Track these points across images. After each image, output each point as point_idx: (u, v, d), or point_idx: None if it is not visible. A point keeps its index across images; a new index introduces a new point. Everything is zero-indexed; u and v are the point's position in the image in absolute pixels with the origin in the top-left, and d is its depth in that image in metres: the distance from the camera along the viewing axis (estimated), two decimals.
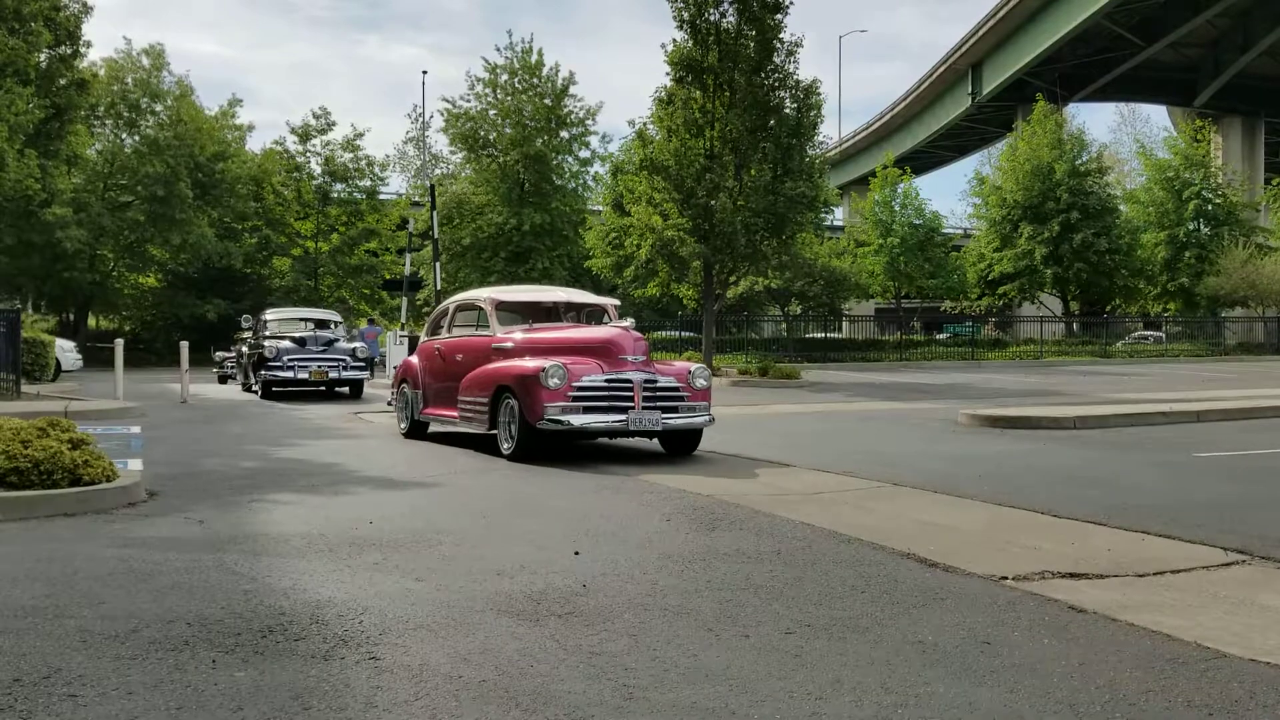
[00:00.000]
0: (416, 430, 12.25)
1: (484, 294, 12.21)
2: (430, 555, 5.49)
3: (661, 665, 3.64)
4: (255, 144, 49.41)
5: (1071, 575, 5.07)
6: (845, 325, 45.13)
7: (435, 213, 28.20)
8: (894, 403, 18.14)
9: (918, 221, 49.37)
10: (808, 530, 6.23)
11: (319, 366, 18.97)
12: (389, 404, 13.94)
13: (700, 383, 10.07)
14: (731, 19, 27.70)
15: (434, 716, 3.14)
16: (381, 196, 50.04)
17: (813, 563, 5.35)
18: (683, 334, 38.63)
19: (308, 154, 48.73)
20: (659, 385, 9.80)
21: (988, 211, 48.90)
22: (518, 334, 10.86)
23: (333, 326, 21.75)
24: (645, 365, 9.90)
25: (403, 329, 31.27)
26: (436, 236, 28.52)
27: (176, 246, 43.13)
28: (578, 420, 9.48)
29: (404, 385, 12.61)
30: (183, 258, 44.71)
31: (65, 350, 25.92)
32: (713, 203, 26.96)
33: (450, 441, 11.54)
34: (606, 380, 9.62)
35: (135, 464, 8.51)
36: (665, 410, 9.77)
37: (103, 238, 42.57)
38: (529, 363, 9.83)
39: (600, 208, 44.70)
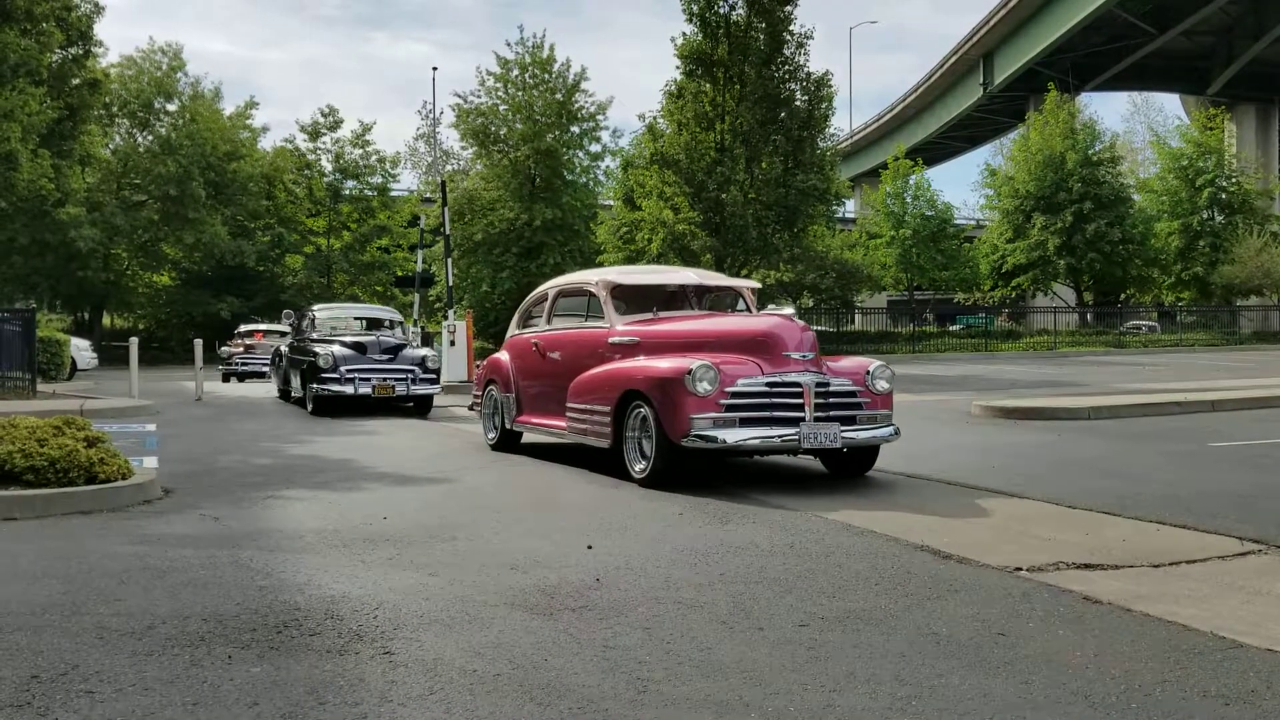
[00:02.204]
0: (508, 441, 10.46)
1: (595, 276, 10.01)
2: (443, 550, 5.50)
3: (675, 658, 3.64)
4: (266, 142, 49.80)
5: (1086, 566, 5.05)
6: (858, 318, 45.05)
7: (446, 209, 28.18)
8: (907, 395, 18.09)
9: (930, 213, 49.24)
10: (821, 523, 6.22)
11: (384, 380, 15.41)
12: (471, 409, 11.88)
13: (882, 385, 8.01)
14: (741, 11, 27.67)
15: (449, 710, 3.15)
16: (393, 193, 50.24)
17: (826, 555, 5.34)
18: None
19: (318, 151, 48.95)
20: (832, 389, 7.72)
21: (1000, 202, 48.71)
22: (642, 325, 8.90)
23: (390, 326, 18.05)
24: (814, 364, 7.79)
25: (415, 325, 31.28)
26: (448, 233, 28.51)
27: (190, 245, 43.37)
28: (733, 436, 7.42)
29: (491, 387, 10.78)
30: (196, 256, 44.95)
31: (80, 349, 26.07)
32: (724, 196, 26.94)
33: (552, 455, 9.75)
34: (769, 384, 7.55)
35: (150, 462, 8.54)
36: (841, 420, 7.71)
37: (116, 237, 42.82)
38: (665, 362, 7.84)
39: (611, 202, 44.70)
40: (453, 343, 21.90)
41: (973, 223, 59.29)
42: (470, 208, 45.09)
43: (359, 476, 8.54)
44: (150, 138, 44.65)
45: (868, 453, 8.18)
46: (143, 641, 3.82)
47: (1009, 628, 4.01)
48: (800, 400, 7.55)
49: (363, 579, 4.82)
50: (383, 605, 4.33)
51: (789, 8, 27.81)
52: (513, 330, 11.00)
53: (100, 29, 39.38)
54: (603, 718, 3.10)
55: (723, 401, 7.44)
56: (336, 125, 48.57)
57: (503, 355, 10.82)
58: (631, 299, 9.45)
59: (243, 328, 31.86)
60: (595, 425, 8.48)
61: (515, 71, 45.79)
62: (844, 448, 7.74)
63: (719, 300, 10.23)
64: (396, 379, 15.48)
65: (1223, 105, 56.02)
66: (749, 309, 9.83)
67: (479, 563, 5.18)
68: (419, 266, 39.72)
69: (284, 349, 18.51)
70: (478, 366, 11.58)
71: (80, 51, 33.50)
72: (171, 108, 45.09)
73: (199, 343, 20.03)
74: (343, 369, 15.33)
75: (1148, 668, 3.53)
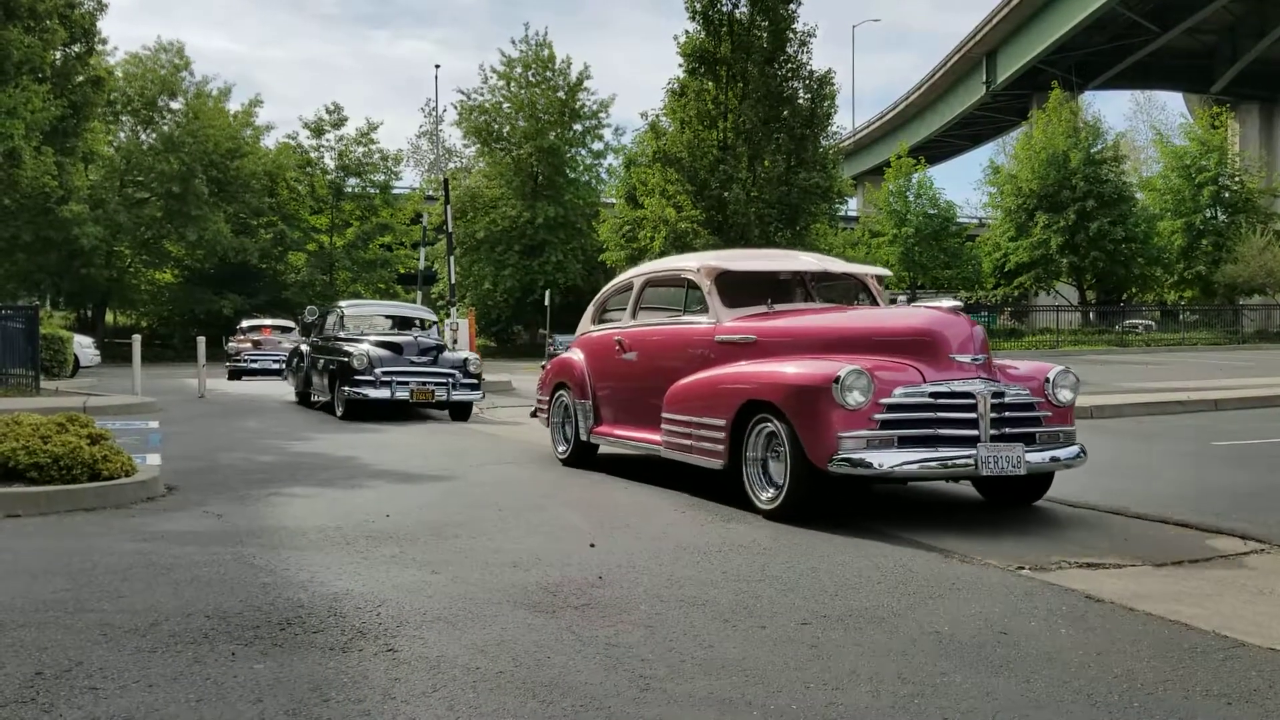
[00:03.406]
0: (583, 455, 9.05)
1: (694, 261, 8.35)
2: (446, 548, 5.50)
3: (678, 656, 3.65)
4: (269, 140, 49.88)
5: (1089, 565, 5.05)
6: None
7: (449, 206, 28.20)
8: None
9: (932, 211, 49.28)
10: (823, 521, 6.22)
11: (423, 384, 14.09)
12: (533, 415, 10.48)
13: (1065, 395, 6.52)
14: (744, 9, 27.70)
15: (452, 708, 3.16)
16: (395, 191, 50.31)
17: (829, 553, 5.35)
18: None
19: (321, 149, 49.00)
20: (1008, 401, 6.23)
21: (1003, 201, 48.71)
22: (758, 320, 7.43)
23: (422, 326, 16.62)
24: (985, 369, 6.30)
25: None
26: (451, 230, 28.54)
27: (192, 243, 43.41)
28: (890, 459, 5.94)
29: (561, 393, 9.39)
30: (199, 254, 45.00)
31: (83, 346, 26.06)
32: (726, 194, 26.96)
33: (638, 474, 8.11)
34: (933, 394, 6.07)
35: (153, 459, 8.55)
36: (1021, 440, 6.23)
37: (119, 234, 42.87)
38: (798, 366, 6.44)
39: (613, 200, 44.77)
40: (455, 341, 21.92)
41: (975, 221, 59.33)
42: (473, 205, 45.17)
43: (362, 474, 8.55)
44: (154, 135, 44.70)
45: (1043, 477, 6.74)
46: (146, 638, 3.83)
47: (1011, 626, 4.02)
48: (973, 414, 6.08)
49: (366, 576, 4.83)
50: (386, 603, 4.33)
51: (792, 6, 27.84)
52: (585, 326, 9.62)
53: (103, 26, 39.36)
54: (605, 715, 3.10)
55: (877, 416, 5.98)
56: (340, 123, 48.66)
57: (575, 355, 9.38)
58: (739, 288, 7.86)
59: (246, 322, 31.32)
60: (703, 442, 7.05)
61: (518, 69, 45.85)
62: (1026, 474, 6.24)
63: (836, 290, 8.60)
64: (437, 383, 14.19)
65: (1226, 104, 55.92)
66: (874, 301, 8.40)
67: (482, 560, 5.19)
68: (421, 264, 39.76)
69: (305, 349, 17.04)
70: (542, 367, 10.19)
71: (83, 49, 33.49)
72: (176, 105, 45.16)
73: (202, 340, 20.04)
74: (378, 371, 13.98)
75: (1150, 667, 3.53)
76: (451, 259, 28.00)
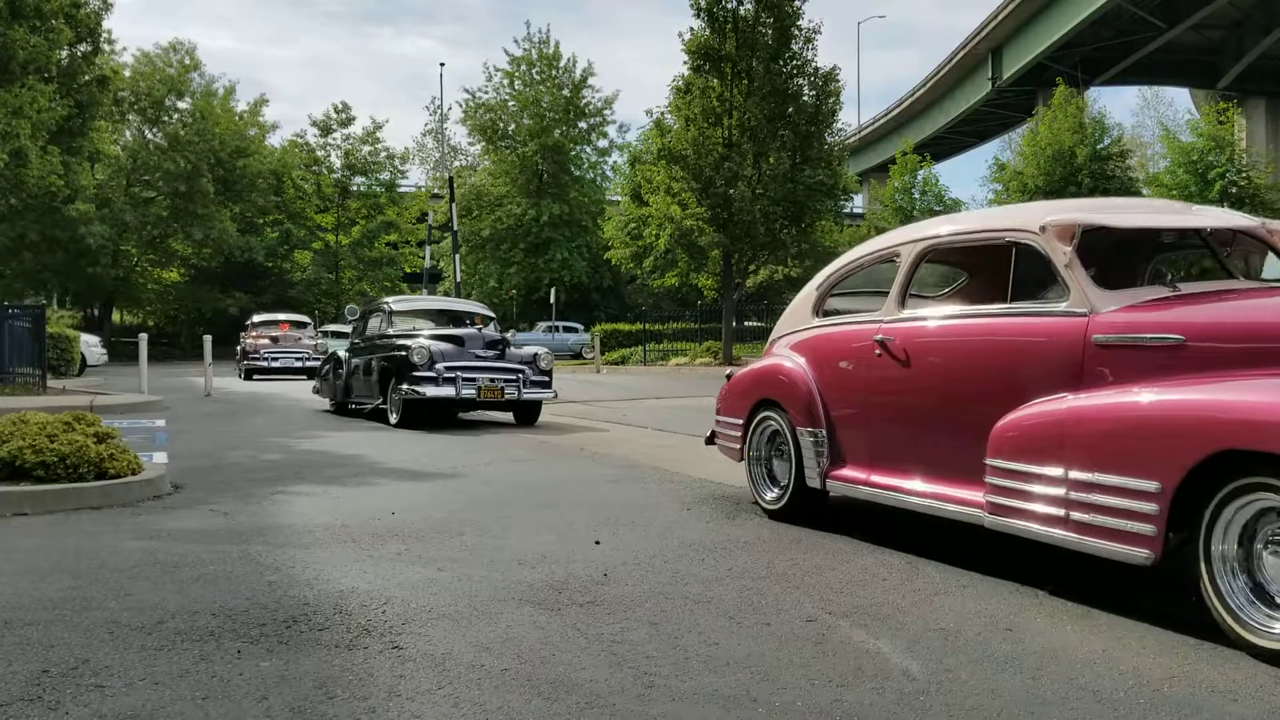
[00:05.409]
0: (805, 506, 6.16)
1: (1021, 216, 5.08)
2: (452, 545, 5.51)
3: (683, 653, 3.65)
4: (274, 139, 50.03)
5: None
6: None
7: (454, 204, 28.23)
8: None
9: (938, 208, 49.13)
10: (829, 518, 6.21)
11: (491, 380, 12.57)
12: (710, 442, 7.38)
13: None
14: (749, 6, 27.71)
15: (456, 705, 3.16)
16: (401, 189, 50.44)
17: (835, 550, 5.35)
18: (702, 324, 38.67)
19: (327, 148, 49.12)
20: None
21: (1008, 198, 48.59)
22: (1173, 308, 4.37)
23: (475, 322, 14.72)
24: None
25: None
26: (456, 228, 28.58)
27: (198, 241, 43.56)
28: None
29: (769, 415, 6.44)
30: (205, 252, 45.16)
31: (90, 345, 26.13)
32: (731, 191, 26.94)
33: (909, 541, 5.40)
34: None
35: (160, 457, 8.57)
36: None
37: (126, 233, 43.03)
38: None
39: (618, 198, 44.81)
40: None
41: None
42: (478, 203, 45.27)
43: (368, 472, 8.56)
44: (160, 135, 44.83)
45: None
46: (152, 636, 3.83)
47: (1017, 623, 4.01)
48: None
49: (371, 574, 4.84)
50: (391, 600, 4.34)
51: (796, 2, 27.85)
52: (802, 318, 6.58)
53: (109, 26, 39.52)
54: (610, 713, 3.10)
55: None
56: (348, 122, 48.78)
57: (790, 360, 6.36)
58: (1109, 257, 5.14)
59: (259, 317, 29.62)
60: (1100, 514, 4.11)
61: (523, 67, 45.91)
62: None
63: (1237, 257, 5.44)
64: (506, 380, 12.66)
65: (1233, 99, 55.73)
66: None
67: (487, 558, 5.19)
68: (427, 262, 39.81)
69: (343, 353, 15.28)
70: (727, 376, 7.37)
71: (89, 48, 33.57)
72: (183, 105, 45.30)
73: (208, 339, 20.10)
74: (440, 366, 12.38)
75: (1156, 663, 3.53)
76: (457, 257, 28.06)
